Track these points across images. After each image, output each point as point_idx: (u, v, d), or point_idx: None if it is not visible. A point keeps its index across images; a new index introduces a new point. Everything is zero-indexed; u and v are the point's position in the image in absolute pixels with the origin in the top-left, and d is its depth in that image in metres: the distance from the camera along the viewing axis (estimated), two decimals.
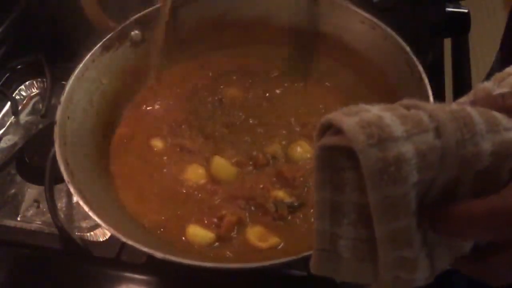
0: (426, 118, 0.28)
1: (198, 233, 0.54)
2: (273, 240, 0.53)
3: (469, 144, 0.28)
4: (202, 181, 0.58)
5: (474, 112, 0.29)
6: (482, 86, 0.35)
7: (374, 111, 0.29)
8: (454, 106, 0.29)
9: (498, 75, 0.34)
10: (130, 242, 0.45)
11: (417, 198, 0.29)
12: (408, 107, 0.30)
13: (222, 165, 0.59)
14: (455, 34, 0.90)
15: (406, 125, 0.28)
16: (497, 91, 0.31)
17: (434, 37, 0.83)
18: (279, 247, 0.53)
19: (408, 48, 0.57)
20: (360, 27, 0.62)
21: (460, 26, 0.88)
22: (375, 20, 0.61)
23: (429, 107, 0.29)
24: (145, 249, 0.45)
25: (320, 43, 0.67)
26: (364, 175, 0.27)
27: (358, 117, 0.28)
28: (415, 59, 0.55)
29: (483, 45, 1.65)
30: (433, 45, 0.82)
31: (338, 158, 0.30)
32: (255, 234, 0.54)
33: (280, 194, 0.56)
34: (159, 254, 0.45)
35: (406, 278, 0.31)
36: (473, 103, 0.32)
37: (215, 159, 0.59)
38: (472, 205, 0.29)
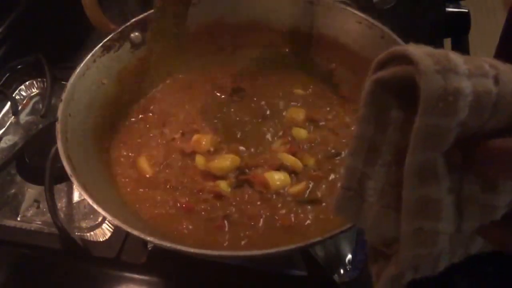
0: (487, 66, 0.29)
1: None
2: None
3: None
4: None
5: None
6: None
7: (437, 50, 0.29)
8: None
9: None
10: (135, 233, 0.45)
11: (455, 140, 0.29)
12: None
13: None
14: (455, 34, 0.90)
15: (469, 66, 0.28)
16: None
17: (434, 37, 0.83)
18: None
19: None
20: (357, 27, 0.62)
21: (460, 26, 0.88)
22: (371, 20, 0.61)
23: (487, 59, 0.30)
24: (150, 239, 0.45)
25: (317, 44, 0.67)
26: (419, 101, 0.27)
27: (424, 49, 0.28)
28: None
29: (483, 45, 1.65)
30: (433, 45, 0.82)
31: (387, 95, 0.30)
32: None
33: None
34: (165, 244, 0.45)
35: (429, 228, 0.30)
36: None
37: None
38: (507, 139, 0.28)
